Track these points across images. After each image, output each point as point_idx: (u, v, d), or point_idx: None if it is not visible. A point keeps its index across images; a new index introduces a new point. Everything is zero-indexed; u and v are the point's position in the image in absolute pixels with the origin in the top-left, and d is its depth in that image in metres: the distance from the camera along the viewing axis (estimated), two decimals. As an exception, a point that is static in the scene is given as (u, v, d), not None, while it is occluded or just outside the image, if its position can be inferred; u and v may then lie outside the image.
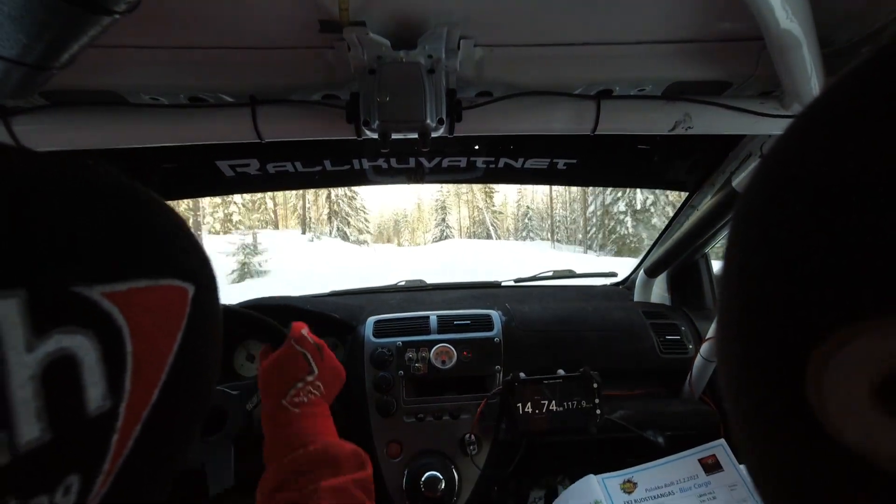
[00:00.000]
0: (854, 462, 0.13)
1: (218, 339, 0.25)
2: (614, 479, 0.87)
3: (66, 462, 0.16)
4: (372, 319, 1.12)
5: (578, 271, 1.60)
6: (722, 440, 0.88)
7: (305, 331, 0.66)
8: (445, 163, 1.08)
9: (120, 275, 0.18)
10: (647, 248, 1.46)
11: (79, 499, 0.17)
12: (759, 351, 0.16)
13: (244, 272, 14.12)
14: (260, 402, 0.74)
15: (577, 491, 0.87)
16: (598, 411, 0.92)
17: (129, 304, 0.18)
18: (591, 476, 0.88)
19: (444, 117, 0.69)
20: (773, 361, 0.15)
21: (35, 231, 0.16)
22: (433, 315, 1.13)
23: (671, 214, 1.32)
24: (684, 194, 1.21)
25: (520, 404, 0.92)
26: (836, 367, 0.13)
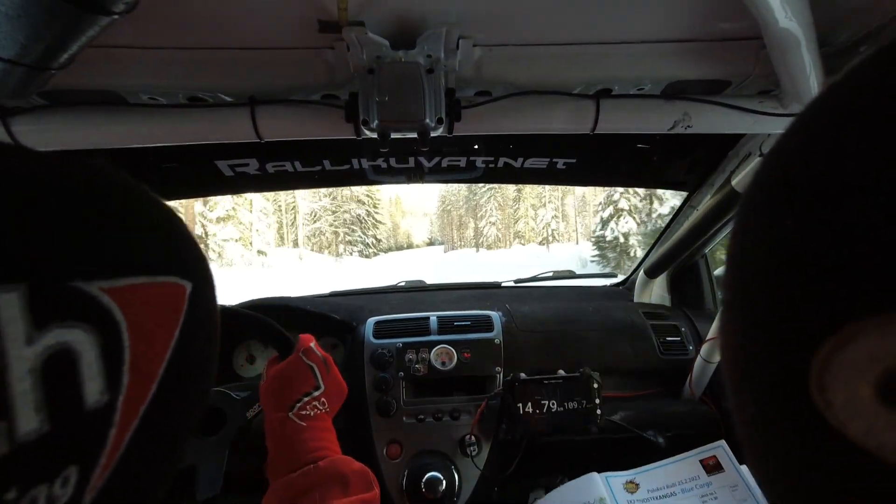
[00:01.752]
0: (859, 457, 0.13)
1: (215, 336, 0.25)
2: (617, 479, 0.87)
3: (65, 454, 0.17)
4: (372, 320, 1.12)
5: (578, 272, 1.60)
6: (722, 441, 0.88)
7: (314, 344, 0.65)
8: (445, 162, 1.08)
9: (119, 271, 0.19)
10: (647, 249, 1.46)
11: (76, 490, 0.17)
12: (762, 350, 0.16)
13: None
14: (261, 411, 0.73)
15: (580, 487, 0.86)
16: (598, 412, 0.92)
17: (128, 299, 0.19)
18: (595, 474, 0.87)
19: (444, 117, 0.69)
20: (776, 360, 0.15)
21: (35, 227, 0.16)
22: (433, 316, 1.12)
23: None
24: (684, 194, 1.21)
25: (520, 404, 0.92)
26: (840, 365, 0.13)
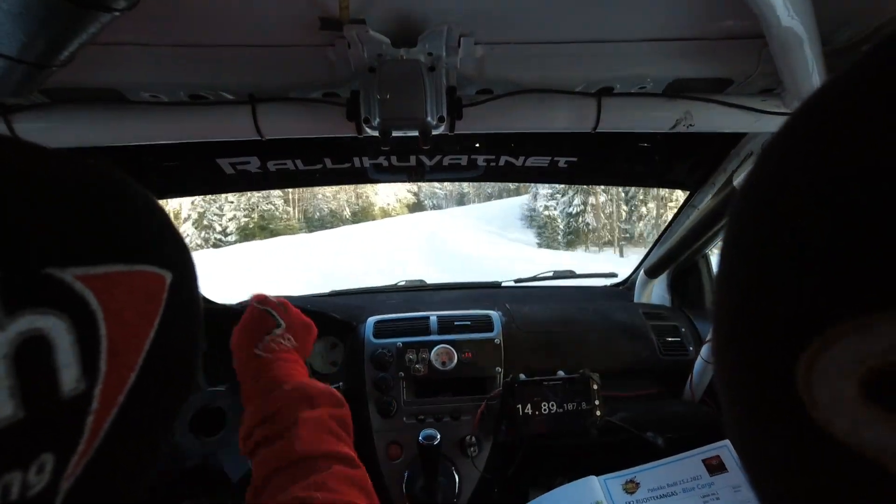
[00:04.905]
0: (844, 456, 0.13)
1: (198, 328, 0.25)
2: (616, 480, 0.86)
3: (40, 440, 0.17)
4: (372, 320, 1.12)
5: (579, 272, 1.60)
6: (727, 441, 0.87)
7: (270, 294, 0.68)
8: (446, 161, 1.08)
9: (95, 259, 0.18)
10: (648, 248, 1.45)
11: (52, 477, 0.17)
12: (751, 350, 0.16)
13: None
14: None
15: (577, 491, 0.86)
16: (597, 413, 0.92)
17: (104, 288, 0.18)
18: (592, 477, 0.87)
19: (445, 115, 0.69)
20: (764, 360, 0.15)
21: (9, 214, 0.16)
22: (433, 316, 1.12)
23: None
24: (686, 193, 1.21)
25: (520, 406, 0.92)
26: (825, 365, 0.13)
